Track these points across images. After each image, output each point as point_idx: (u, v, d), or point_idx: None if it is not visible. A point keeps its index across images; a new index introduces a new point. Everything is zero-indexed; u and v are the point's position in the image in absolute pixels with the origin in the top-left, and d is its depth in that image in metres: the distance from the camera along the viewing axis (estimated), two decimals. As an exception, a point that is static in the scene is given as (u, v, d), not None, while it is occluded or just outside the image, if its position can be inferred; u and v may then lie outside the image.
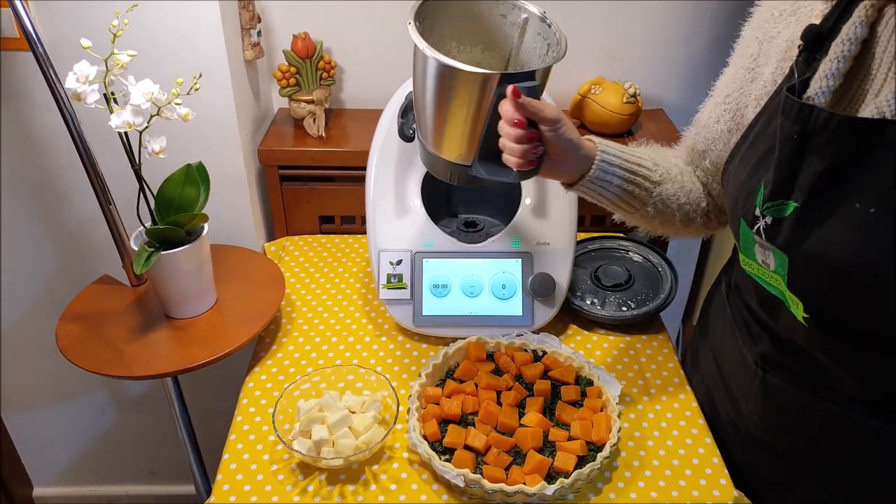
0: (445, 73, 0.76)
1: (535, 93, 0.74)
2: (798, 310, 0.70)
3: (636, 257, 1.22)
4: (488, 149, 0.80)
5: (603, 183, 0.81)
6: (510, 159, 0.75)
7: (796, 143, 0.64)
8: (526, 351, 0.99)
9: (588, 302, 1.12)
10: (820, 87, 0.65)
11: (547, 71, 0.78)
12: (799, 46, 0.69)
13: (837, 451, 0.78)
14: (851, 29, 0.64)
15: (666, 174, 0.86)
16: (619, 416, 0.87)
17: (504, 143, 0.75)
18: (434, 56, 0.75)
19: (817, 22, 0.68)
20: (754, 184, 0.71)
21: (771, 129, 0.71)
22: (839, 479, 0.80)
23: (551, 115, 0.74)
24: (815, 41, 0.67)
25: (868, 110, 0.64)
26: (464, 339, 0.99)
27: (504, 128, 0.74)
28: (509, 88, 0.72)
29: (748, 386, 0.85)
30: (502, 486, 0.79)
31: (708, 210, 0.91)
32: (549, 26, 0.83)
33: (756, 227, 0.70)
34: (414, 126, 0.97)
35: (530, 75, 0.75)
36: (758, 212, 0.70)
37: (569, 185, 0.83)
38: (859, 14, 0.64)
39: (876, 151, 0.60)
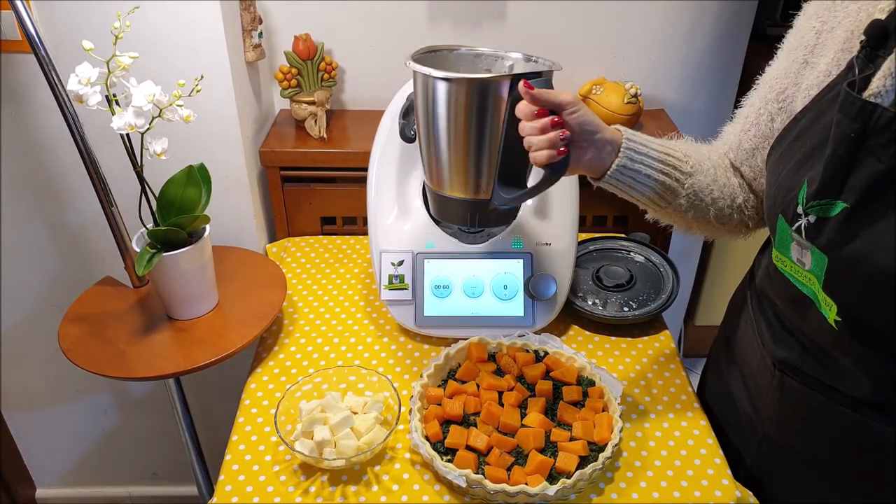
0: (456, 90, 0.77)
1: (548, 86, 0.75)
2: (831, 312, 0.68)
3: (638, 258, 1.22)
4: (508, 169, 0.81)
5: (631, 172, 0.79)
6: (540, 155, 0.74)
7: (853, 142, 0.61)
8: (527, 351, 0.98)
9: (590, 302, 1.12)
10: (884, 85, 0.62)
11: (549, 79, 0.78)
12: (861, 41, 0.65)
13: (850, 454, 0.78)
14: None
15: (698, 165, 0.83)
16: (620, 417, 0.87)
17: (529, 140, 0.75)
18: (444, 75, 0.75)
19: (881, 17, 0.65)
20: (797, 180, 0.68)
21: (821, 125, 0.68)
22: (851, 483, 0.80)
23: (568, 99, 0.74)
24: (879, 37, 0.64)
25: None
26: (465, 339, 0.99)
27: (526, 126, 0.75)
28: (521, 84, 0.73)
29: (767, 387, 0.84)
30: (504, 486, 0.79)
31: (742, 206, 0.87)
32: (536, 62, 0.83)
33: (797, 224, 0.68)
34: (415, 128, 0.97)
35: (538, 74, 0.76)
36: (800, 209, 0.67)
37: (596, 179, 0.81)
38: None
39: None
